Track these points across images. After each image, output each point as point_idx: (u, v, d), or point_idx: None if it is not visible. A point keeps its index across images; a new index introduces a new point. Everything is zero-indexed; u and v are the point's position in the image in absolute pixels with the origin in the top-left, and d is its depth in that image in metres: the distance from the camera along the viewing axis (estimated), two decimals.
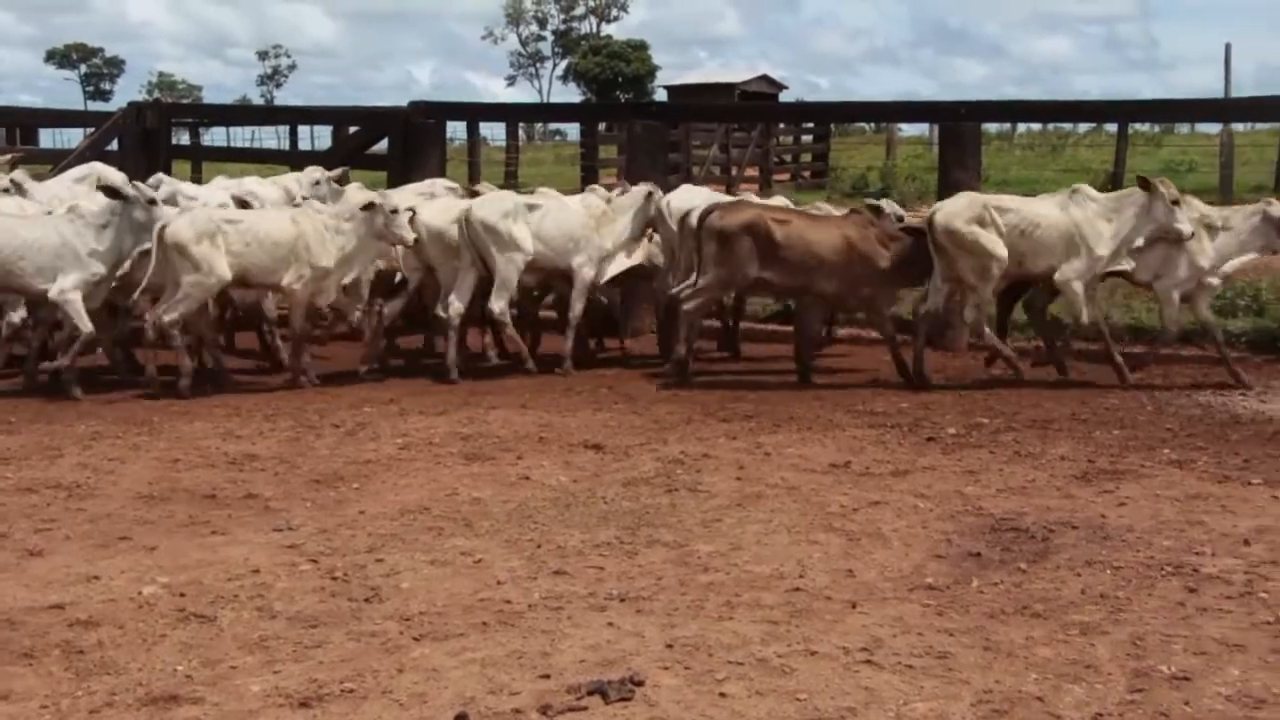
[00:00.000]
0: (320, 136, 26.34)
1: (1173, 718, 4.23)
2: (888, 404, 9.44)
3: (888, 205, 11.36)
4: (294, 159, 16.78)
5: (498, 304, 10.67)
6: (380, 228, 10.23)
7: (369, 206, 10.23)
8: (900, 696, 4.39)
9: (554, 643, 4.86)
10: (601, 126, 22.67)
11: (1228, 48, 25.62)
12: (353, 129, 15.65)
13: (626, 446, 8.07)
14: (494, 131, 29.78)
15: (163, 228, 9.69)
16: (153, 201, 9.87)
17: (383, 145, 14.90)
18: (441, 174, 13.84)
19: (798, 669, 4.60)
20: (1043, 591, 5.43)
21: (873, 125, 35.92)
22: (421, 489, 7.13)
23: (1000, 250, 9.99)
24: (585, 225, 11.01)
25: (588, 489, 7.08)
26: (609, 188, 12.58)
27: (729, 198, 11.96)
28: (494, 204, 10.82)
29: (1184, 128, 35.03)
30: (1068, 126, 34.22)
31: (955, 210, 10.11)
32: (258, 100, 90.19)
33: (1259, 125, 26.51)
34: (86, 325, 9.65)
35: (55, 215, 10.09)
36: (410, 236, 10.28)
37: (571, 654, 4.75)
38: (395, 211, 10.22)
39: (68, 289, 9.62)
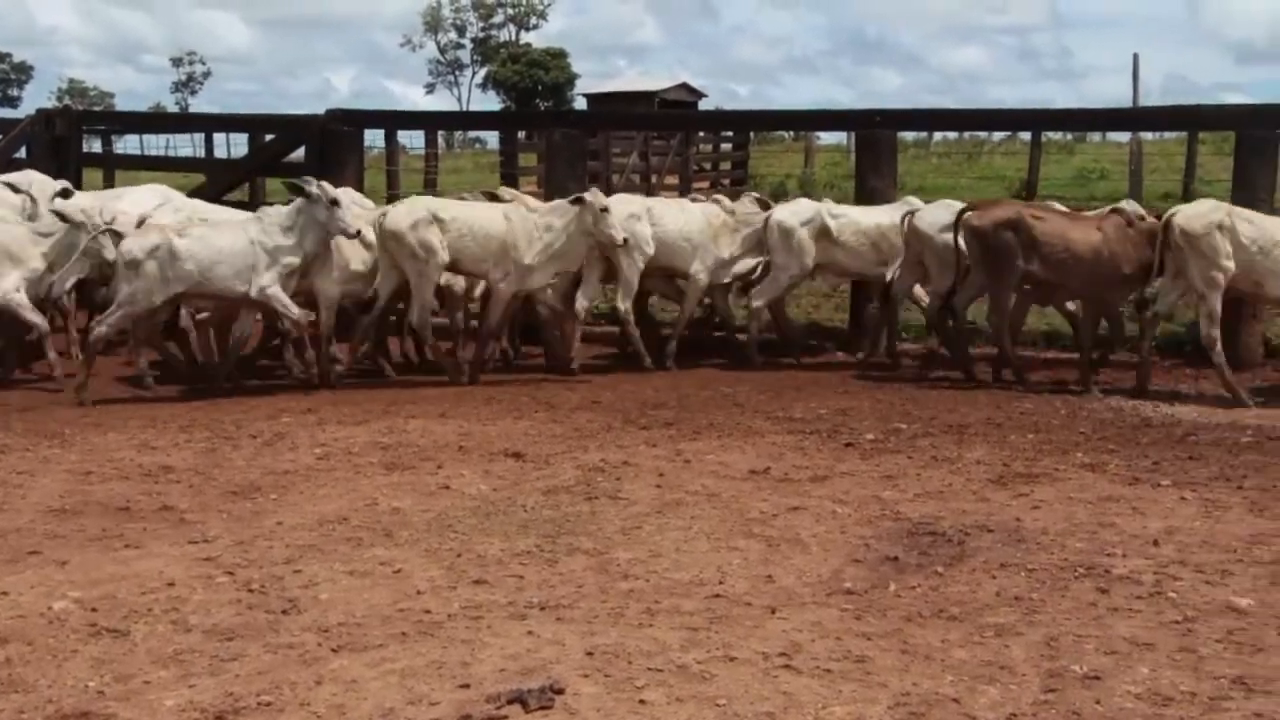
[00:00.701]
0: (237, 144, 26.04)
1: (1085, 717, 4.30)
2: (807, 410, 9.51)
3: (1129, 205, 11.11)
4: (210, 167, 16.59)
5: (623, 304, 11.25)
6: (589, 225, 10.42)
7: (578, 203, 10.41)
8: (819, 700, 4.42)
9: (474, 652, 4.84)
10: (521, 135, 22.60)
11: (1135, 58, 26.00)
12: (269, 137, 15.49)
13: (547, 455, 8.06)
14: (413, 139, 29.68)
15: (381, 217, 10.46)
16: (334, 202, 10.13)
17: (300, 153, 14.77)
18: (359, 182, 13.75)
19: (717, 675, 4.62)
20: (959, 594, 5.50)
21: (792, 133, 36.12)
22: (340, 499, 7.07)
23: (1226, 261, 9.84)
24: (703, 232, 11.41)
25: (508, 497, 7.06)
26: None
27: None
28: (620, 206, 10.97)
29: (1095, 136, 35.60)
30: (983, 135, 34.71)
31: (1196, 213, 10.04)
32: (172, 107, 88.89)
33: (1167, 134, 27.02)
34: (294, 312, 10.25)
35: (244, 219, 10.64)
36: (620, 236, 10.48)
37: (491, 663, 4.73)
38: (605, 210, 10.41)
39: (267, 285, 10.03)
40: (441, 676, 4.62)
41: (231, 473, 7.66)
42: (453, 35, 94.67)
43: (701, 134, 29.00)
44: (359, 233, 10.24)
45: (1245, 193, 11.17)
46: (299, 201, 10.19)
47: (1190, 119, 14.10)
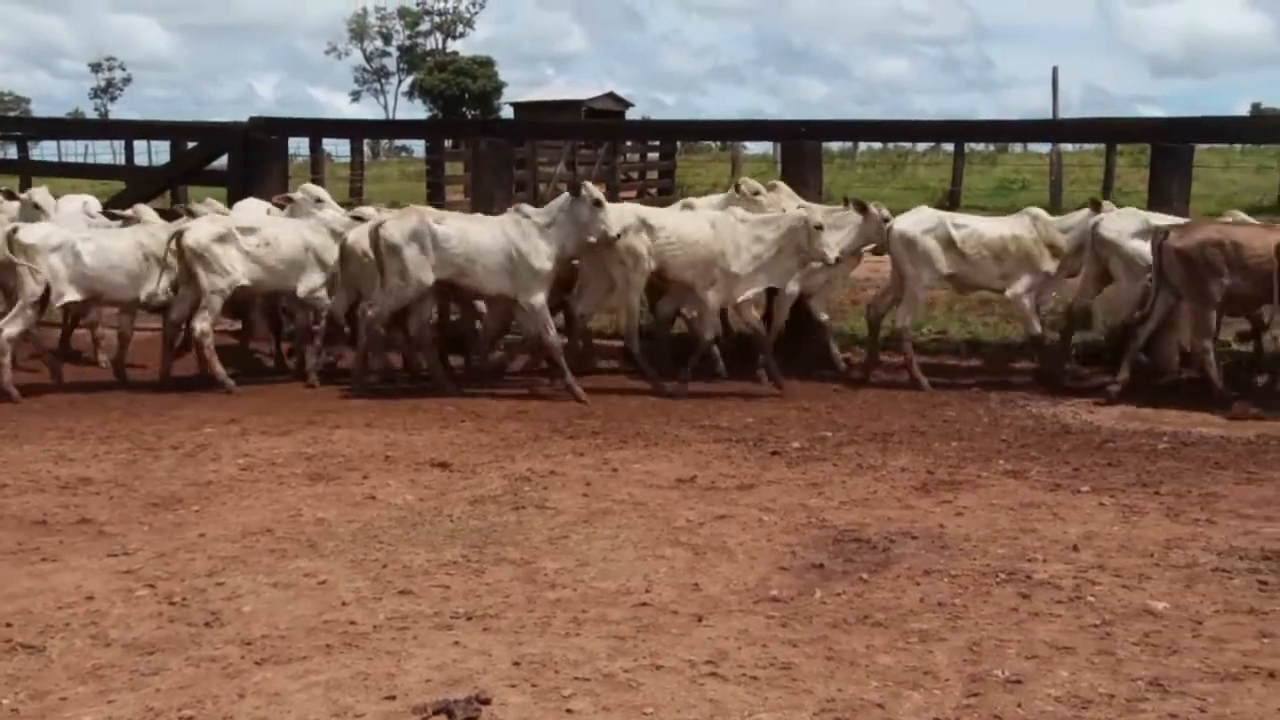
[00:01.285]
0: (158, 152, 25.75)
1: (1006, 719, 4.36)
2: (733, 419, 9.55)
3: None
4: (130, 175, 16.37)
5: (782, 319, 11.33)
6: (802, 242, 10.26)
7: (796, 216, 10.28)
8: (745, 708, 4.44)
9: (399, 663, 4.81)
10: (448, 143, 22.55)
11: (1055, 71, 26.50)
12: (191, 144, 15.32)
13: (474, 464, 8.03)
14: (339, 147, 29.49)
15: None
16: (598, 203, 10.12)
17: (223, 161, 14.61)
18: (283, 190, 13.60)
19: (644, 683, 4.63)
20: (883, 601, 5.55)
21: (718, 143, 36.32)
22: (264, 510, 7.00)
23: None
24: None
25: (434, 507, 7.03)
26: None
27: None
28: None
29: (1017, 147, 36.11)
30: (907, 145, 35.08)
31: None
32: (91, 113, 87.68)
33: (1086, 145, 27.47)
34: (552, 335, 10.35)
35: (502, 217, 10.64)
36: (832, 256, 10.30)
37: (417, 674, 4.71)
38: (819, 228, 10.23)
39: (534, 299, 10.23)
40: (367, 688, 4.59)
41: (152, 484, 7.56)
42: (379, 43, 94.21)
43: (629, 143, 29.11)
44: (619, 235, 10.14)
45: (1160, 203, 11.37)
46: (561, 200, 10.20)
47: (1107, 131, 14.33)
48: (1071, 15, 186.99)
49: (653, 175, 31.25)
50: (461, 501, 7.16)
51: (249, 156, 13.87)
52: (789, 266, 10.61)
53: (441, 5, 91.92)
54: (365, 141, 22.02)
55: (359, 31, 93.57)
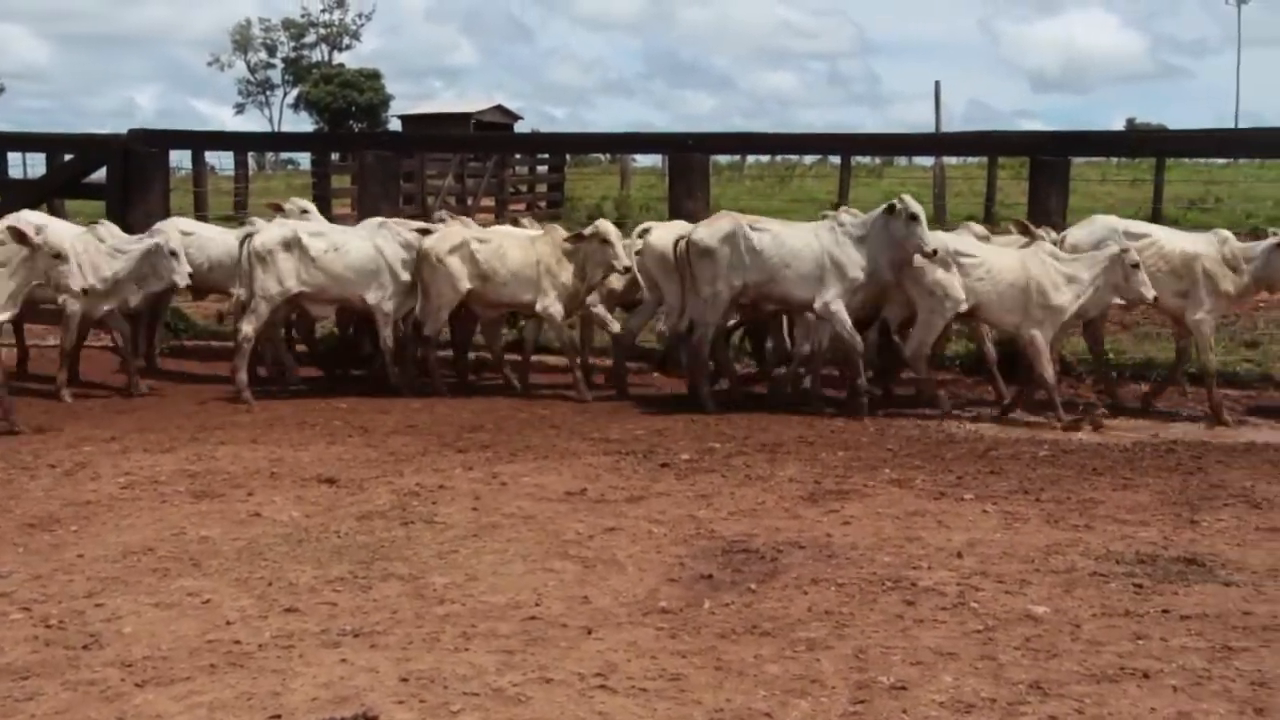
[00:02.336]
0: (34, 164, 25.11)
1: None
2: (623, 431, 9.57)
3: None
4: (3, 187, 15.95)
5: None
6: (1119, 280, 9.88)
7: (1112, 254, 9.90)
8: (634, 719, 4.45)
9: (285, 682, 4.74)
10: (335, 156, 22.33)
11: (937, 85, 26.93)
12: (68, 157, 14.97)
13: (361, 479, 7.95)
14: (223, 160, 29.07)
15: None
16: (914, 217, 9.83)
17: (102, 174, 14.30)
18: (165, 204, 13.39)
19: (533, 697, 4.62)
20: (771, 610, 5.59)
21: (607, 155, 36.41)
22: (146, 529, 6.86)
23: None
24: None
25: (321, 524, 6.95)
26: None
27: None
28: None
29: (902, 160, 36.65)
30: (794, 158, 35.48)
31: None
32: None
33: (969, 159, 28.00)
34: (855, 338, 10.09)
35: (816, 225, 10.57)
36: (1150, 295, 9.85)
37: (303, 692, 4.65)
38: (1136, 266, 9.80)
39: (830, 299, 10.03)
40: (251, 708, 4.52)
41: (29, 504, 7.36)
42: (263, 54, 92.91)
43: (518, 156, 29.07)
44: (935, 252, 9.86)
45: (1040, 215, 11.62)
46: (877, 213, 10.01)
47: (988, 144, 14.62)
48: (955, 31, 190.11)
49: (542, 188, 31.24)
50: (349, 517, 7.08)
51: (129, 169, 13.58)
52: (1103, 303, 10.23)
53: (327, 17, 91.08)
54: (250, 154, 21.80)
55: (243, 43, 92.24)
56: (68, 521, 7.00)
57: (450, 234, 11.12)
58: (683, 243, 10.46)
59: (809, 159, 36.37)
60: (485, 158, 26.43)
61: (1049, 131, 13.32)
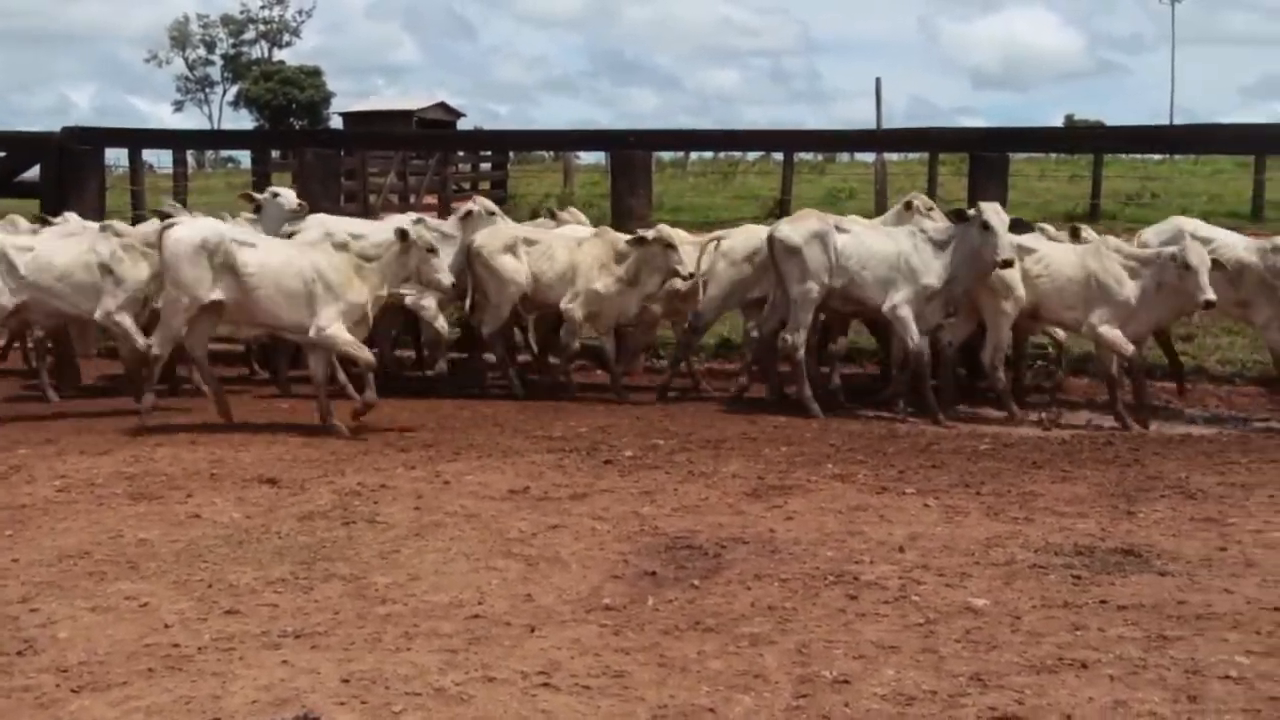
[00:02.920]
0: None
1: (834, 719, 4.43)
2: (566, 429, 9.56)
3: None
4: None
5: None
6: (1173, 281, 9.65)
7: (1171, 257, 9.68)
8: (577, 717, 4.44)
9: (225, 685, 4.70)
10: (275, 154, 22.14)
11: (878, 82, 27.08)
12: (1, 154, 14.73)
13: (302, 480, 7.89)
14: (162, 158, 28.73)
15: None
16: (986, 225, 9.66)
17: (35, 172, 14.08)
18: (101, 202, 13.21)
19: (475, 696, 4.60)
20: (715, 606, 5.60)
21: (551, 153, 36.33)
22: (82, 532, 6.77)
23: None
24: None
25: (262, 524, 6.89)
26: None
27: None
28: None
29: (845, 156, 36.82)
30: (738, 155, 35.53)
31: None
32: None
33: (911, 155, 28.17)
34: (915, 337, 9.97)
35: (898, 229, 10.42)
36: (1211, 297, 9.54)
37: (243, 695, 4.60)
38: (1192, 269, 9.50)
39: (899, 303, 10.00)
40: (190, 712, 4.47)
41: None
42: (202, 51, 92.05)
43: (461, 153, 28.96)
44: (1011, 263, 9.66)
45: None
46: (957, 225, 9.92)
47: (927, 141, 14.72)
48: (897, 29, 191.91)
49: (485, 186, 31.14)
50: (290, 518, 7.03)
51: (63, 168, 13.38)
52: (1172, 308, 10.06)
53: (267, 14, 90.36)
54: (190, 152, 21.53)
55: (181, 40, 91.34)
56: (2, 526, 6.90)
57: (500, 232, 11.01)
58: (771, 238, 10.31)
59: (751, 156, 36.46)
60: (428, 155, 26.29)
61: (988, 128, 13.43)
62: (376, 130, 38.78)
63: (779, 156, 25.16)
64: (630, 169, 12.97)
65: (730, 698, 4.61)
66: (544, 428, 9.60)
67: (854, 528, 6.86)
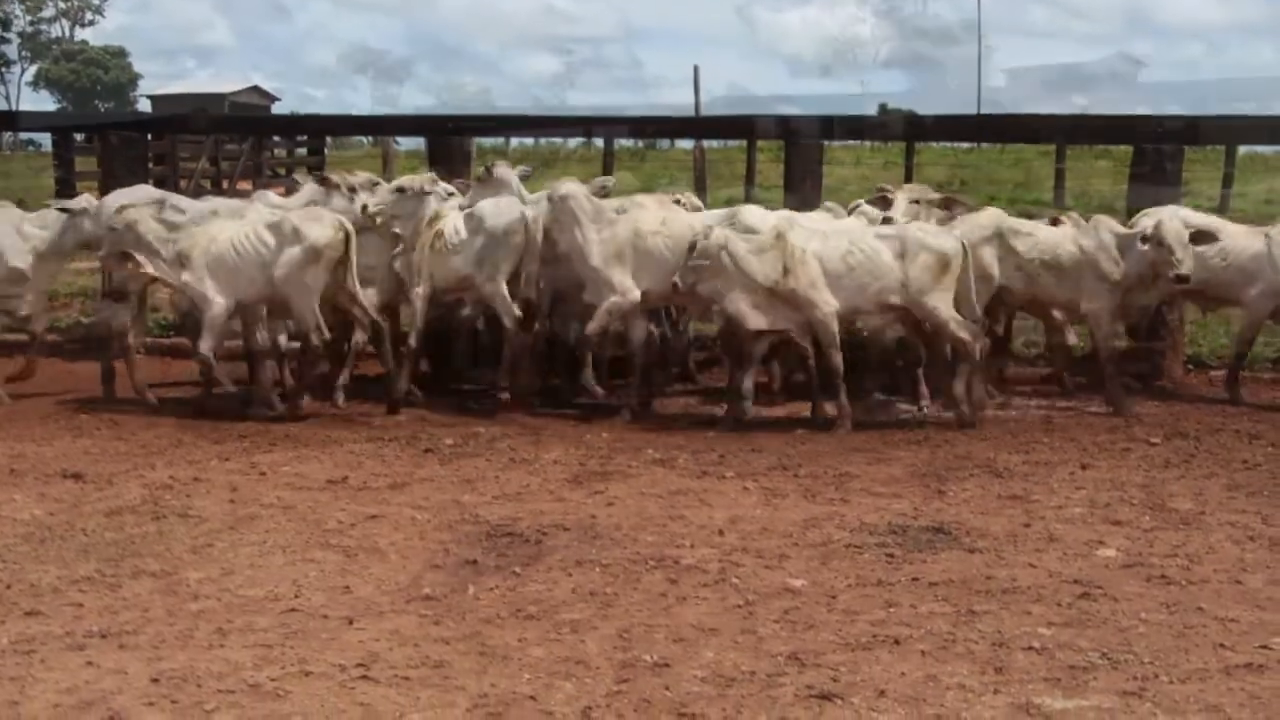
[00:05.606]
0: None
1: (655, 703, 4.46)
2: (386, 417, 9.42)
3: None
4: None
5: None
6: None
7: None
8: (396, 709, 4.39)
9: (24, 689, 4.52)
10: (79, 137, 21.37)
11: (696, 70, 27.48)
12: None
13: (110, 474, 7.63)
14: None
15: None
16: (1156, 241, 9.35)
17: None
18: None
19: (292, 691, 4.51)
20: (536, 593, 5.59)
21: (369, 139, 35.76)
22: None
23: None
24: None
25: (66, 521, 6.64)
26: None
27: None
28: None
29: (665, 143, 37.05)
30: (559, 141, 35.43)
31: None
32: None
33: (730, 142, 28.47)
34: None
35: (1069, 229, 9.91)
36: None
37: (44, 699, 4.44)
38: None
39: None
40: None
41: None
42: None
43: (276, 138, 28.33)
44: (1188, 278, 9.34)
45: (795, 197, 11.88)
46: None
47: (744, 128, 14.88)
48: (716, 18, 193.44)
49: (301, 171, 30.53)
50: (96, 514, 6.79)
51: None
52: None
53: None
54: None
55: None
56: None
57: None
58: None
59: (573, 143, 36.41)
60: (241, 139, 25.66)
61: (804, 116, 13.65)
62: (183, 113, 37.65)
63: (600, 143, 25.24)
64: (449, 155, 12.84)
65: (551, 685, 4.61)
66: (364, 416, 9.45)
67: (674, 512, 6.91)
